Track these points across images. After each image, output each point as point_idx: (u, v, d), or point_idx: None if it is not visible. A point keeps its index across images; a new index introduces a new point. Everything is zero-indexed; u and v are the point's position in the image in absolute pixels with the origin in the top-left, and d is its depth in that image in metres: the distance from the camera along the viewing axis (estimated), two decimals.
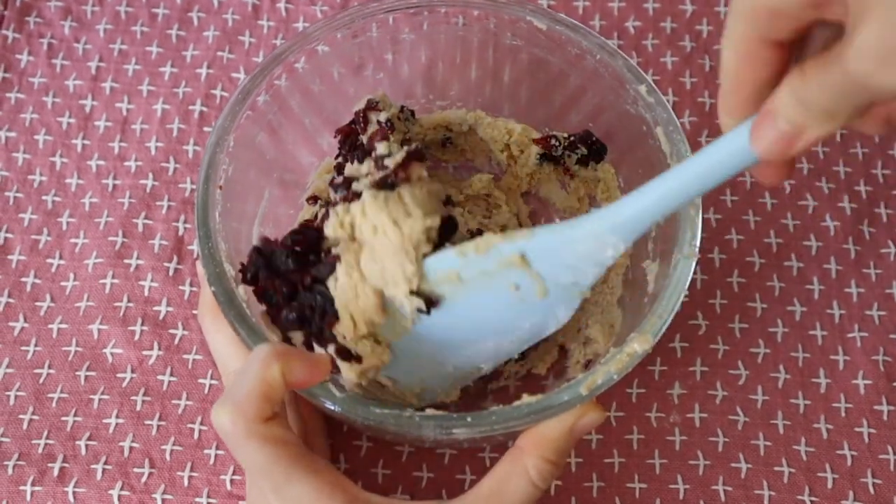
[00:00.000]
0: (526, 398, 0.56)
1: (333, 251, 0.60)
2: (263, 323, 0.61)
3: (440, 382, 0.66)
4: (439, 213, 0.61)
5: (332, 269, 0.60)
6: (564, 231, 0.57)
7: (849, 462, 0.71)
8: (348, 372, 0.61)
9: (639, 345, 0.57)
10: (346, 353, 0.60)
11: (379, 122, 0.67)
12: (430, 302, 0.59)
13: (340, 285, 0.59)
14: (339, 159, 0.69)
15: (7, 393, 0.72)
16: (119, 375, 0.73)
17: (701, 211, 0.61)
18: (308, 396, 0.57)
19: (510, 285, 0.59)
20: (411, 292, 0.59)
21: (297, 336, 0.62)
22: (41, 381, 0.73)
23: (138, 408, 0.72)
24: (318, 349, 0.61)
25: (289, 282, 0.61)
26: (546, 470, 0.56)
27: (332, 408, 0.56)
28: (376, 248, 0.59)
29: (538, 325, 0.62)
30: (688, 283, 0.59)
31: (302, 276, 0.60)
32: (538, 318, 0.61)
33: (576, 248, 0.56)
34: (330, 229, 0.60)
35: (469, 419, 0.55)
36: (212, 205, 0.63)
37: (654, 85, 0.66)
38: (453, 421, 0.56)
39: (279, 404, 0.55)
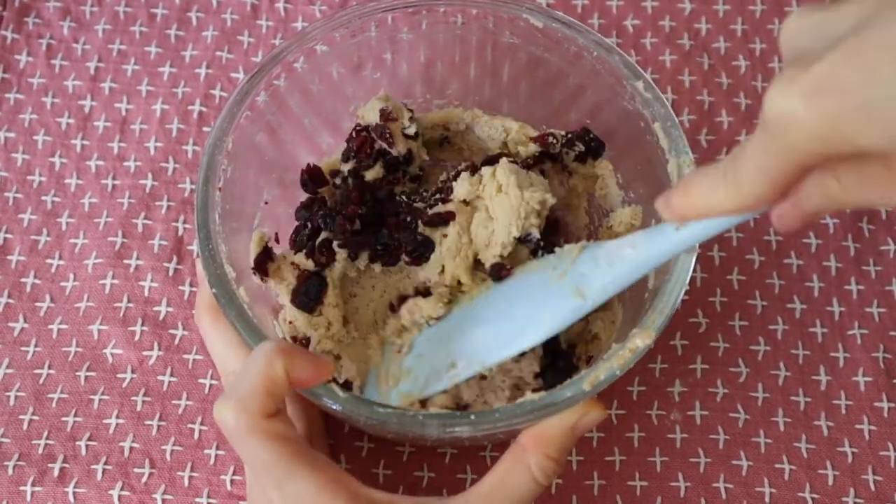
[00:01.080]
0: (529, 395, 0.56)
1: (449, 207, 0.67)
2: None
3: (430, 379, 0.65)
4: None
5: (445, 224, 0.67)
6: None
7: (849, 459, 0.71)
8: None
9: (640, 340, 0.57)
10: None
11: (406, 135, 0.70)
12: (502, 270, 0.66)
13: (447, 242, 0.67)
14: (353, 164, 0.70)
15: (7, 393, 0.72)
16: (119, 376, 0.73)
17: None
18: (311, 397, 0.56)
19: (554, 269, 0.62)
20: (500, 256, 0.66)
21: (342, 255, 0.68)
22: (41, 381, 0.72)
23: (138, 408, 0.72)
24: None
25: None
26: (548, 467, 0.56)
27: (335, 407, 0.56)
28: (493, 208, 0.66)
29: (537, 320, 0.62)
30: (688, 279, 0.59)
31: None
32: (546, 309, 0.61)
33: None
34: (460, 187, 0.67)
35: (472, 417, 0.55)
36: (211, 206, 0.62)
37: (651, 81, 0.65)
38: (456, 419, 0.55)
39: (282, 401, 0.54)
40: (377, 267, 0.69)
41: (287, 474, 0.52)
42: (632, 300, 0.67)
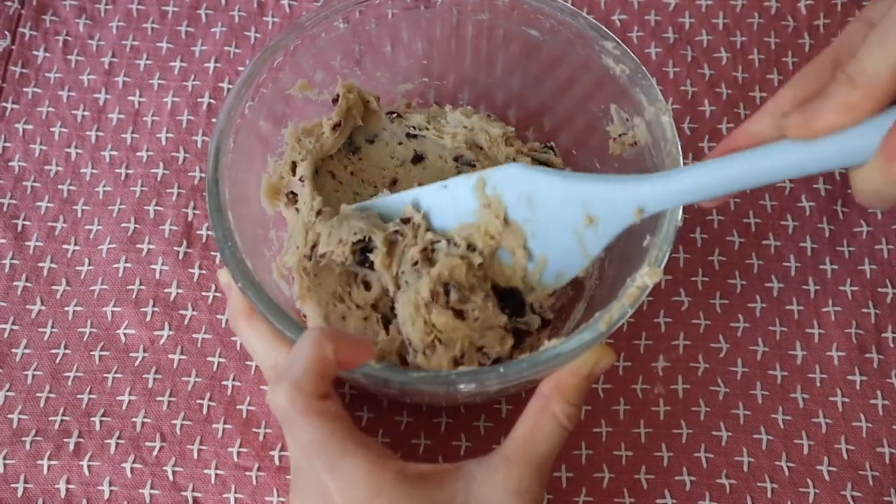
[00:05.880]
0: (550, 343, 0.56)
1: None
2: None
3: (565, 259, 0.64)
4: None
5: None
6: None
7: (823, 429, 0.70)
8: None
9: (649, 278, 0.57)
10: None
11: None
12: None
13: None
14: None
15: (25, 372, 0.71)
16: (132, 355, 0.72)
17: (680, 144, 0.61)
18: (346, 374, 0.56)
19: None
20: None
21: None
22: (57, 360, 0.72)
23: (150, 385, 0.71)
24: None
25: None
26: (572, 413, 0.56)
27: (372, 376, 0.55)
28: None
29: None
30: (679, 215, 0.58)
31: None
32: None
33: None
34: None
35: (501, 370, 0.55)
36: (223, 204, 0.61)
37: (620, 42, 0.65)
38: (486, 374, 0.55)
39: (331, 383, 0.53)
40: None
41: (341, 453, 0.51)
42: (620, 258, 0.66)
